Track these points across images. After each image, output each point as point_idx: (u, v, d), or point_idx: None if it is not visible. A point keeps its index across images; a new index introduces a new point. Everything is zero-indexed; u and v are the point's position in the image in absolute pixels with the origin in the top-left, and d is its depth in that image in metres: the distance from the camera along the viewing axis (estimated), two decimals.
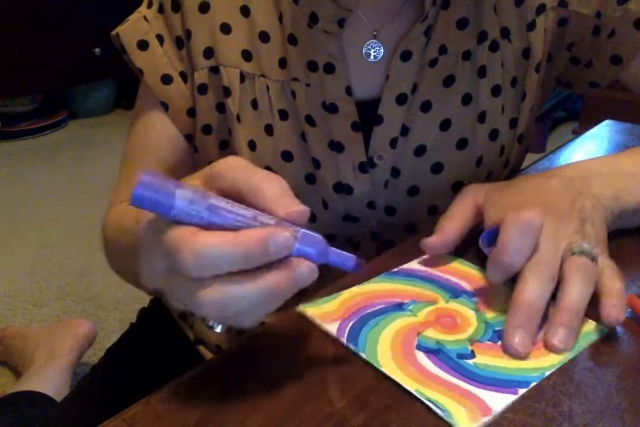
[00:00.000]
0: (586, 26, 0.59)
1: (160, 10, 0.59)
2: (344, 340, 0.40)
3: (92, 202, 2.18)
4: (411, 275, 0.47)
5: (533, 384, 0.36)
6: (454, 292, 0.45)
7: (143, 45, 0.59)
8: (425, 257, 0.49)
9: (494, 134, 0.59)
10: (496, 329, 0.41)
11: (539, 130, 2.46)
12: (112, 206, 0.62)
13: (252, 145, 0.58)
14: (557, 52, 0.61)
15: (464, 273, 0.47)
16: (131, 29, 0.59)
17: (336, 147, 0.57)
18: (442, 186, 0.59)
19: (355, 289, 0.45)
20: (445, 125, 0.57)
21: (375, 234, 0.62)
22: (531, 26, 0.57)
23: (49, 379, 1.19)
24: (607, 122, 0.79)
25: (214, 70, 0.57)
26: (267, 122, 0.58)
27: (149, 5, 0.60)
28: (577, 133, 0.81)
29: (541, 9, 0.57)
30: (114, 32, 0.60)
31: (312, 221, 0.59)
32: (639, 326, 0.41)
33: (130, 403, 0.37)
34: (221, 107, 0.59)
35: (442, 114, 0.57)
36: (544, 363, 0.38)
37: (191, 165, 0.63)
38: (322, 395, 0.36)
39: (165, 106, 0.59)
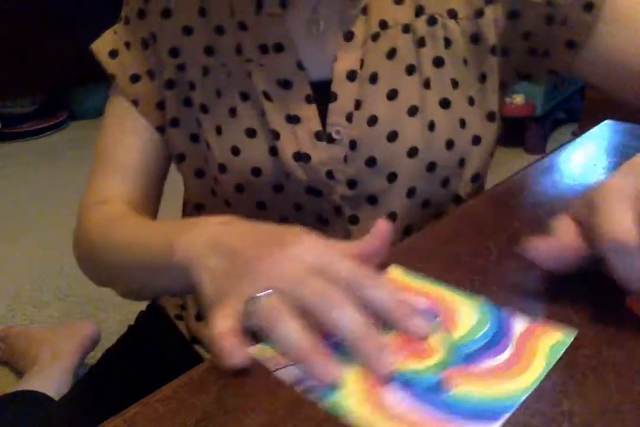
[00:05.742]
0: (539, 15, 0.61)
1: (127, 22, 0.66)
2: (302, 388, 0.36)
3: None
4: None
5: (514, 408, 0.34)
6: None
7: (113, 53, 0.66)
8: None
9: (444, 102, 0.62)
10: (465, 350, 0.39)
11: (539, 132, 2.46)
12: (93, 204, 0.65)
13: (218, 131, 0.62)
14: (513, 44, 0.63)
15: (420, 290, 0.45)
16: (102, 42, 0.67)
17: (293, 119, 0.60)
18: (398, 153, 0.61)
19: None
20: (392, 94, 0.60)
21: (339, 209, 0.64)
22: (479, 13, 0.61)
23: (51, 380, 1.19)
24: (607, 122, 0.79)
25: (180, 67, 0.63)
26: (231, 106, 0.62)
27: (119, 21, 0.67)
28: (576, 134, 0.80)
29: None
30: (91, 46, 0.68)
31: (279, 191, 0.62)
32: (639, 325, 0.41)
33: (126, 403, 0.37)
34: (188, 102, 0.64)
35: (389, 84, 0.60)
36: (521, 385, 0.36)
37: (164, 157, 0.68)
38: None
39: (135, 103, 0.65)
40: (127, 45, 0.66)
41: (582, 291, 0.45)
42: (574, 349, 0.39)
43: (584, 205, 0.41)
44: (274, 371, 0.37)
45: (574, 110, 2.65)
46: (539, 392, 0.36)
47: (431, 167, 0.62)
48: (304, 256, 0.40)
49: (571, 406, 0.35)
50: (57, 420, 0.72)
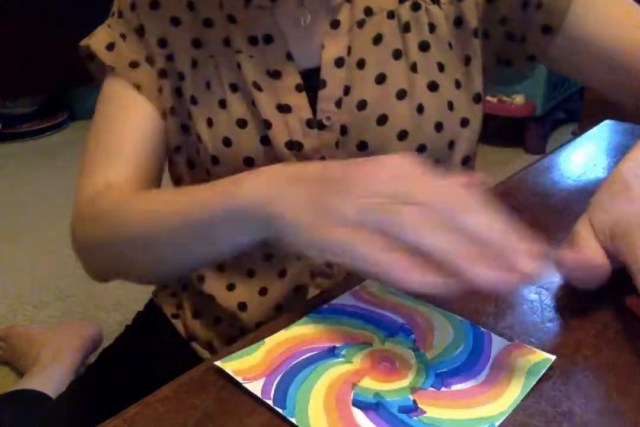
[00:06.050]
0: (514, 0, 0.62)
1: (120, 15, 0.66)
2: (270, 402, 0.35)
3: None
4: (342, 312, 0.43)
5: None
6: (390, 330, 0.42)
7: (110, 46, 0.66)
8: (356, 288, 0.46)
9: (432, 85, 0.62)
10: (438, 371, 0.37)
11: (539, 132, 2.46)
12: (97, 191, 0.61)
13: (209, 122, 0.63)
14: (492, 29, 0.64)
15: (398, 306, 0.44)
16: (98, 37, 0.67)
17: (284, 109, 0.61)
18: (388, 137, 0.61)
19: (279, 335, 0.41)
20: (380, 79, 0.61)
21: None
22: None
23: (52, 380, 1.19)
24: (606, 122, 0.79)
25: (169, 57, 0.64)
26: (220, 97, 0.62)
27: (111, 16, 0.67)
28: (576, 134, 0.80)
29: None
30: (82, 44, 0.67)
31: None
32: (639, 325, 0.41)
33: (122, 402, 0.37)
34: (178, 92, 0.64)
35: (376, 69, 0.61)
36: (493, 411, 0.34)
37: (163, 141, 0.66)
38: None
39: (138, 88, 0.65)
40: (123, 36, 0.66)
41: (582, 291, 0.45)
42: (574, 349, 0.39)
43: (607, 227, 0.43)
44: (242, 384, 0.37)
45: (574, 110, 2.65)
46: (539, 392, 0.36)
47: (421, 149, 0.62)
48: (399, 168, 0.39)
49: (571, 406, 0.35)
50: (53, 418, 0.72)
